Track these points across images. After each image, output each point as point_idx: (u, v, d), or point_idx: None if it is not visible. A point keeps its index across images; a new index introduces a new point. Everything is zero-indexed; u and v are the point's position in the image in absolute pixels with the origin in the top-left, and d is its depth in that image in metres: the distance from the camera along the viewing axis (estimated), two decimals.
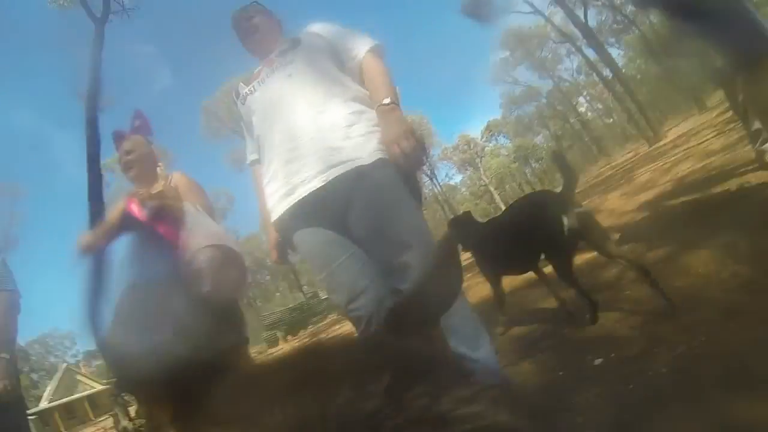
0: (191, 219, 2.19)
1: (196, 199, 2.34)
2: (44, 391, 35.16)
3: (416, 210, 1.81)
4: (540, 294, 3.26)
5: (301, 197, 1.73)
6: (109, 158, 15.76)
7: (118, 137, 2.48)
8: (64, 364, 39.99)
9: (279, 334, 18.84)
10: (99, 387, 33.20)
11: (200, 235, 2.13)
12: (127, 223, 2.37)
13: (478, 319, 1.79)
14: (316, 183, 1.70)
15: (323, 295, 20.12)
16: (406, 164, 1.70)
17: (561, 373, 2.02)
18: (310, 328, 18.38)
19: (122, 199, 2.48)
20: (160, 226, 2.27)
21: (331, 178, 1.69)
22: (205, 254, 2.07)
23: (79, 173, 9.82)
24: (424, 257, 1.67)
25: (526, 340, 2.73)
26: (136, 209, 2.34)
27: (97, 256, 2.50)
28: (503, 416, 0.30)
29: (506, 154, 57.05)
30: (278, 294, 54.37)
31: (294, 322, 19.40)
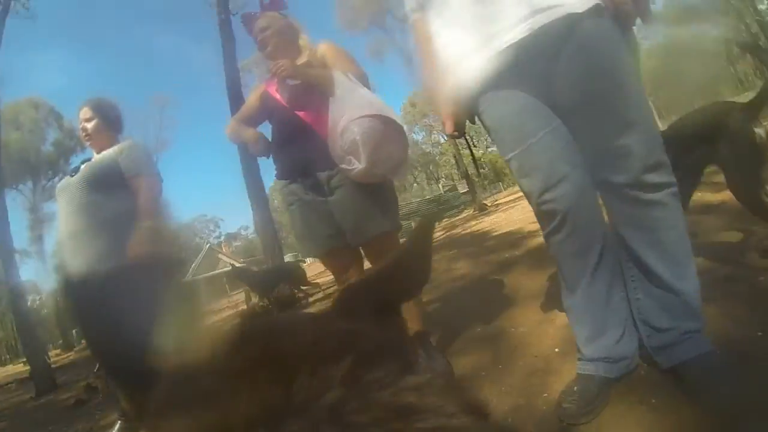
0: (343, 88, 1.91)
1: (348, 68, 2.05)
2: (189, 268, 40.69)
3: (639, 79, 1.42)
4: (716, 223, 2.75)
5: (496, 51, 1.38)
6: (245, 59, 16.17)
7: (249, 19, 2.20)
8: (207, 245, 45.79)
9: (413, 225, 18.87)
10: (237, 265, 37.45)
11: (354, 104, 1.86)
12: (267, 108, 2.18)
13: (690, 243, 1.45)
14: (518, 33, 1.35)
15: (462, 189, 19.96)
16: (629, 14, 1.33)
17: (760, 334, 1.64)
18: (445, 222, 18.56)
19: (261, 82, 2.27)
20: (303, 111, 2.04)
21: (537, 27, 1.33)
22: (361, 125, 1.80)
23: (220, 80, 10.12)
24: (646, 143, 1.32)
25: (707, 277, 2.30)
26: (275, 91, 2.12)
27: (237, 143, 2.43)
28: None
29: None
30: (416, 185, 55.43)
31: (429, 214, 19.65)
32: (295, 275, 7.58)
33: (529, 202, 1.50)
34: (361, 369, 0.31)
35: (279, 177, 2.21)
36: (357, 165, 1.82)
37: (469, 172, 19.42)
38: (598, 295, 1.48)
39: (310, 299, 7.54)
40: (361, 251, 2.19)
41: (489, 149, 55.42)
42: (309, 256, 2.29)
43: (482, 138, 56.19)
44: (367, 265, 2.28)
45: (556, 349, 1.92)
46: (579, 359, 1.56)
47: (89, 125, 2.54)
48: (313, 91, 1.98)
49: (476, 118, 1.66)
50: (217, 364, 0.33)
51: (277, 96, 2.11)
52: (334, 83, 1.91)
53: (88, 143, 2.58)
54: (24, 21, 12.89)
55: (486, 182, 48.18)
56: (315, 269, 11.29)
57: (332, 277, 2.37)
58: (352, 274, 2.15)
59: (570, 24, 1.32)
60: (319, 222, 2.08)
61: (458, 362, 2.12)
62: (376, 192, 2.02)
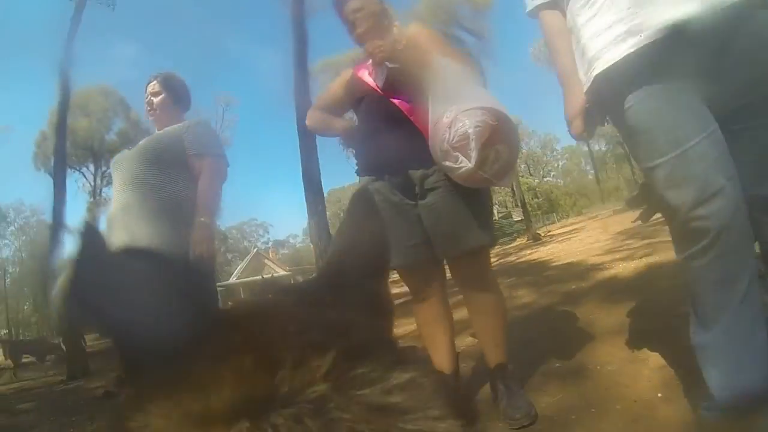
0: (447, 77, 1.67)
1: (451, 58, 1.81)
2: (234, 269, 41.23)
3: None
4: None
5: (654, 37, 1.19)
6: (316, 64, 16.33)
7: (341, 0, 1.97)
8: (255, 249, 46.54)
9: None
10: (282, 272, 37.33)
11: (463, 95, 1.62)
12: (356, 93, 1.97)
13: None
14: (683, 15, 1.15)
15: (516, 217, 19.45)
16: None
17: None
18: (497, 249, 18.13)
19: (348, 69, 2.07)
20: (399, 99, 1.82)
21: (708, 10, 1.13)
22: (474, 117, 1.54)
23: (288, 85, 10.06)
24: None
25: None
26: (368, 75, 1.91)
27: (322, 133, 2.20)
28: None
29: None
30: None
31: None
32: None
33: (672, 218, 1.27)
34: (346, 363, 0.30)
35: (363, 173, 1.98)
36: (465, 164, 1.57)
37: (526, 200, 19.02)
38: (741, 333, 1.23)
39: None
40: (445, 266, 1.99)
41: (545, 179, 54.41)
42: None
43: (539, 167, 55.34)
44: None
45: (659, 394, 1.67)
46: (705, 408, 1.31)
47: (156, 99, 2.39)
48: (412, 77, 1.76)
49: (607, 119, 1.47)
50: (200, 348, 0.32)
51: (370, 81, 1.90)
52: (438, 71, 1.69)
53: (151, 118, 2.43)
54: (103, 10, 13.66)
55: (540, 212, 47.25)
56: None
57: None
58: (432, 292, 1.94)
59: (748, 9, 1.12)
60: (405, 228, 1.84)
61: (539, 401, 1.88)
62: (475, 199, 1.79)
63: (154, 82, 2.41)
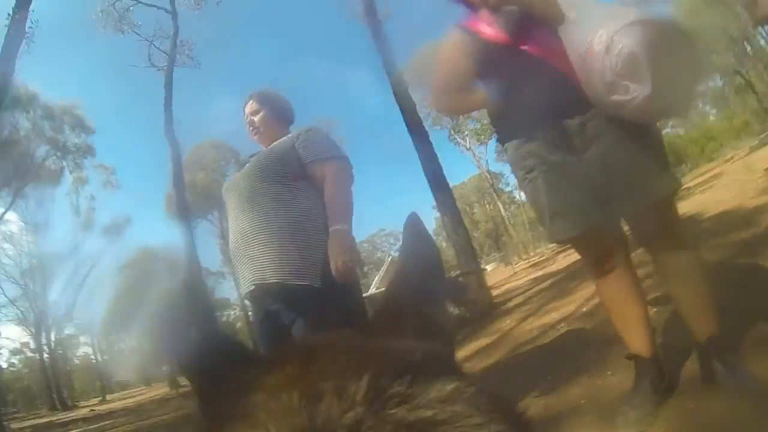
0: (577, 8, 1.42)
1: None
2: (372, 281, 41.83)
3: None
4: None
5: None
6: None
7: None
8: (389, 257, 46.79)
9: None
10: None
11: (607, 16, 1.34)
12: (477, 53, 1.70)
13: None
14: None
15: None
16: None
17: None
18: None
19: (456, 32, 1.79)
20: (527, 42, 1.55)
21: None
22: (633, 34, 1.25)
23: (386, 94, 10.16)
24: None
25: None
26: (487, 28, 1.64)
27: (460, 112, 2.05)
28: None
29: None
30: None
31: None
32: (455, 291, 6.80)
33: None
34: (382, 384, 0.30)
35: (508, 138, 1.73)
36: (639, 91, 1.26)
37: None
38: None
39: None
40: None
41: (664, 131, 50.12)
42: (559, 240, 1.82)
43: None
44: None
45: None
46: None
47: (256, 118, 2.21)
48: (535, 21, 1.51)
49: None
50: (256, 382, 0.33)
51: (492, 32, 1.63)
52: (561, 4, 1.43)
53: (255, 138, 2.25)
54: (192, 71, 15.31)
55: None
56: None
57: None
58: (617, 261, 1.64)
59: None
60: (574, 190, 1.57)
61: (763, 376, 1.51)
62: (647, 139, 1.49)
63: (251, 101, 2.25)
